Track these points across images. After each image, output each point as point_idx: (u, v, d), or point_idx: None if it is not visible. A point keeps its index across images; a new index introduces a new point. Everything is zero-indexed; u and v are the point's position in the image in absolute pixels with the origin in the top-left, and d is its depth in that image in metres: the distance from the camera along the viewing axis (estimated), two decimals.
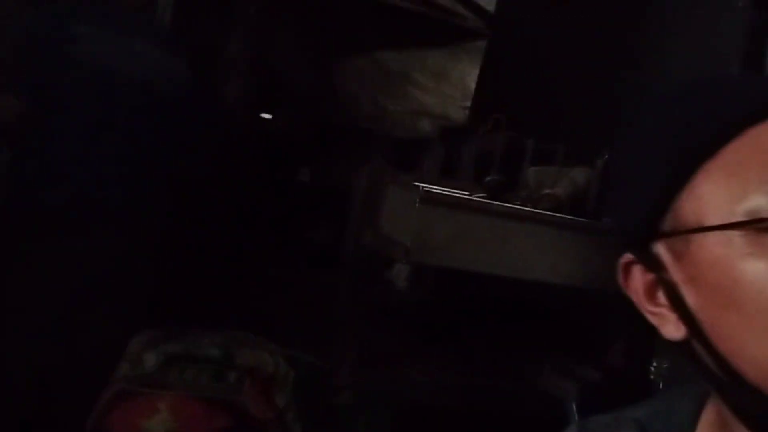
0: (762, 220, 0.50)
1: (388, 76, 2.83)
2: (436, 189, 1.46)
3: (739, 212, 0.51)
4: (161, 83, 1.96)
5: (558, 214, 1.49)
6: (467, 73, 2.79)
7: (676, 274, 0.54)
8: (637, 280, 0.55)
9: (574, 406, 1.57)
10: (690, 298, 0.53)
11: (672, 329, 0.54)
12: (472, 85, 2.68)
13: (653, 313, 0.55)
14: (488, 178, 1.51)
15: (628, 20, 2.00)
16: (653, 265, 0.55)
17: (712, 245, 0.52)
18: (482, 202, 1.46)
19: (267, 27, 2.78)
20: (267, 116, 2.77)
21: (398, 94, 2.82)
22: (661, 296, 0.54)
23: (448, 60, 2.87)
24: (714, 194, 0.54)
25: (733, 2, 1.69)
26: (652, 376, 1.75)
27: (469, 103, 2.65)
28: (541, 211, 1.49)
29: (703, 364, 0.54)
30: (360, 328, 1.60)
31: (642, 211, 0.55)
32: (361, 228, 1.57)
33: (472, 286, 1.70)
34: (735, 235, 0.51)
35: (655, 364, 1.76)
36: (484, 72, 2.54)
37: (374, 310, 1.77)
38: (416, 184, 1.46)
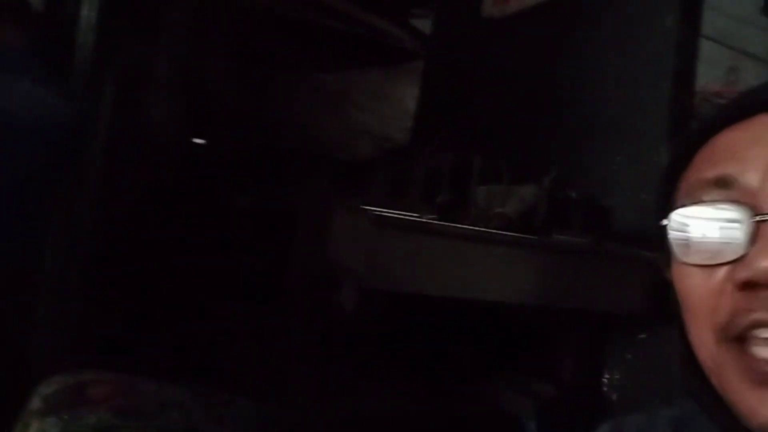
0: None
1: (327, 96, 2.82)
2: (386, 212, 1.45)
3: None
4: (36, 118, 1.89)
5: (509, 233, 1.51)
6: (406, 93, 2.81)
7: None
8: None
9: (533, 424, 1.58)
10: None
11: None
12: (412, 105, 2.70)
13: None
14: (439, 198, 1.51)
15: (562, 40, 2.06)
16: (665, 265, 0.61)
17: (670, 248, 0.58)
18: (434, 223, 1.45)
19: (198, 48, 2.73)
20: (200, 141, 2.71)
21: (337, 115, 2.81)
22: None
23: (387, 80, 2.88)
24: (675, 200, 0.59)
25: (662, 23, 1.76)
26: (605, 389, 1.78)
27: (410, 123, 2.67)
28: (493, 231, 1.50)
29: None
30: (309, 360, 1.56)
31: (658, 218, 0.61)
32: (307, 255, 1.54)
33: (423, 307, 1.70)
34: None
35: (607, 376, 1.79)
36: (425, 92, 2.57)
37: (322, 338, 1.73)
38: (365, 207, 1.45)
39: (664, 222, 0.57)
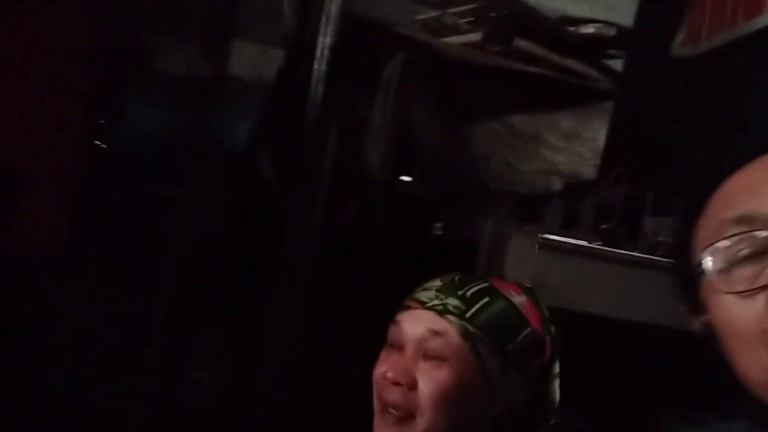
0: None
1: (520, 138, 3.08)
2: (554, 237, 1.68)
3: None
4: None
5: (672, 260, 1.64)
6: (598, 133, 2.98)
7: None
8: None
9: None
10: None
11: None
12: (602, 143, 2.87)
13: None
14: (603, 226, 1.70)
15: (753, 76, 2.12)
16: (693, 314, 0.75)
17: (708, 287, 0.68)
18: (597, 248, 1.65)
19: (406, 97, 3.14)
20: (407, 179, 3.11)
21: (530, 155, 3.05)
22: None
23: (580, 121, 3.07)
24: (696, 245, 0.69)
25: None
26: None
27: (599, 161, 2.84)
28: (655, 257, 1.65)
29: None
30: None
31: (680, 268, 0.76)
32: (486, 274, 1.81)
33: (593, 339, 1.84)
34: None
35: None
36: (612, 130, 2.73)
37: None
38: (536, 232, 1.69)
39: (703, 258, 0.63)
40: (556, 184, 2.95)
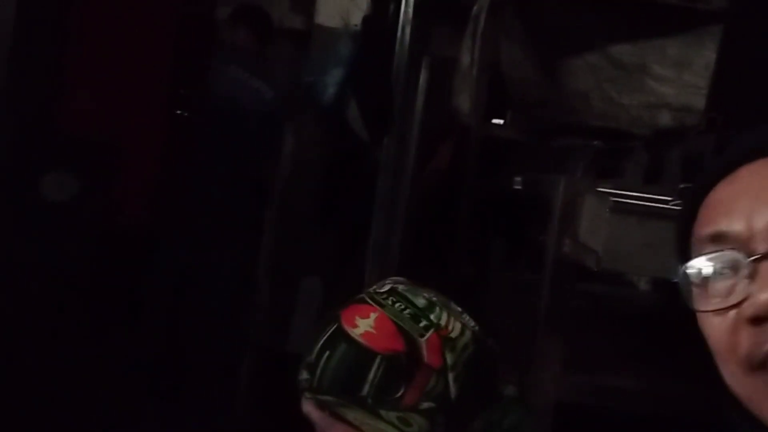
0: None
1: (623, 70, 2.85)
2: (630, 198, 1.55)
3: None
4: None
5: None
6: (710, 59, 2.69)
7: None
8: None
9: None
10: None
11: None
12: (712, 71, 2.59)
13: None
14: (682, 186, 1.56)
15: None
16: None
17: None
18: (675, 210, 1.51)
19: (496, 33, 2.99)
20: (499, 122, 2.99)
21: (634, 88, 2.82)
22: None
23: (691, 47, 2.79)
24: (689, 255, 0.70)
25: None
26: None
27: (708, 91, 2.57)
28: None
29: None
30: (562, 332, 1.75)
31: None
32: (560, 236, 1.72)
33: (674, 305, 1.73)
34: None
35: None
36: (720, 56, 2.46)
37: (594, 314, 1.89)
38: (609, 193, 1.57)
39: (674, 279, 0.69)
40: (666, 119, 2.72)
